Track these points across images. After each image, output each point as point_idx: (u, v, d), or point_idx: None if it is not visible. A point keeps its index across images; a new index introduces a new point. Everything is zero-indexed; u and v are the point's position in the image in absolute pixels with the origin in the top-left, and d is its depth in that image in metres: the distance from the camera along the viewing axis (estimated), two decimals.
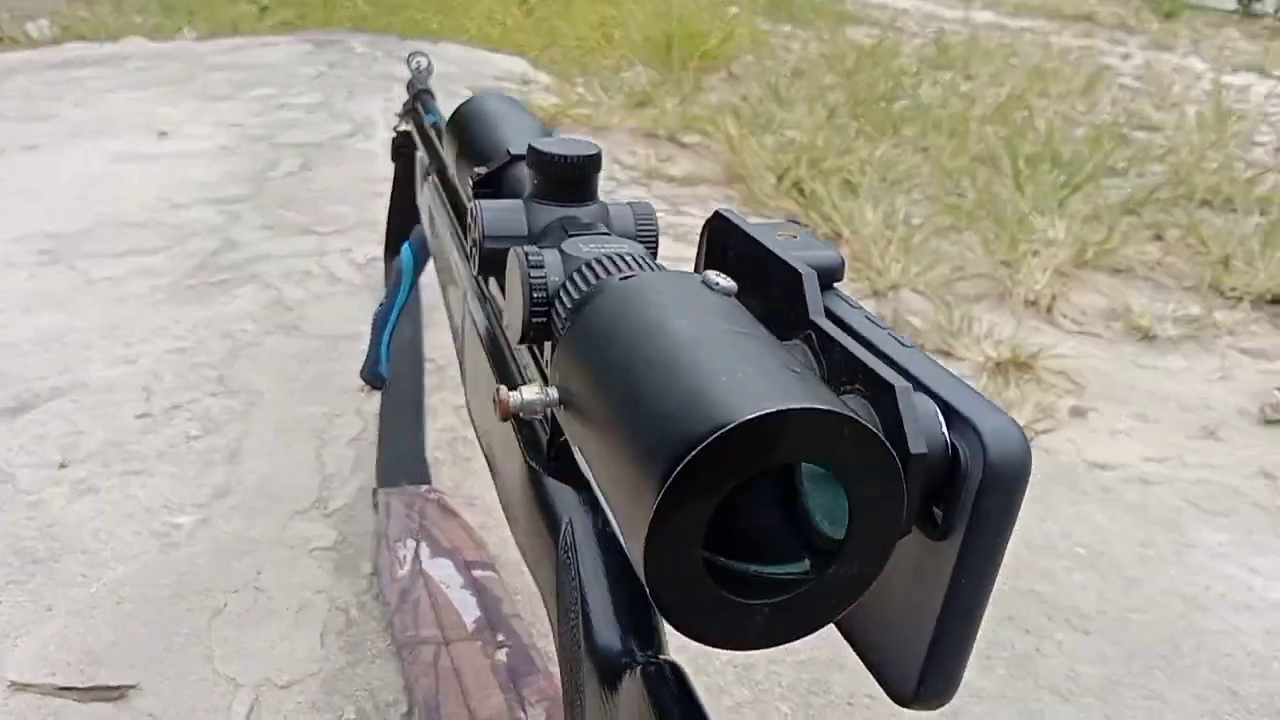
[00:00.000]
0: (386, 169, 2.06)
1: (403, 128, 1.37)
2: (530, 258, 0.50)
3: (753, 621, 0.36)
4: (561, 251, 0.52)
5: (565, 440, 0.57)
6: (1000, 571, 0.46)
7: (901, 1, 6.95)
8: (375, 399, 1.17)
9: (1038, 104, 3.21)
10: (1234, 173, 2.62)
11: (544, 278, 0.50)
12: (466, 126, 0.75)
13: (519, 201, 0.60)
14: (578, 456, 0.40)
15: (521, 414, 0.43)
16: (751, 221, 0.49)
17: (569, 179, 0.59)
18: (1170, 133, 3.08)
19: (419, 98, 1.28)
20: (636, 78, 3.51)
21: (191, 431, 1.10)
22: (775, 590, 0.36)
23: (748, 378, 0.34)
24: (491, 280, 0.71)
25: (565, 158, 0.59)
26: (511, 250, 0.51)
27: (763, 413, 0.31)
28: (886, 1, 6.77)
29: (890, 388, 0.35)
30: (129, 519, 0.96)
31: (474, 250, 0.59)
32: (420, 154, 1.10)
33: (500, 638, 0.78)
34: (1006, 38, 4.99)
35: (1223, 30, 6.72)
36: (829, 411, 0.32)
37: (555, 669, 0.79)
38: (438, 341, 1.33)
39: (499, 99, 0.79)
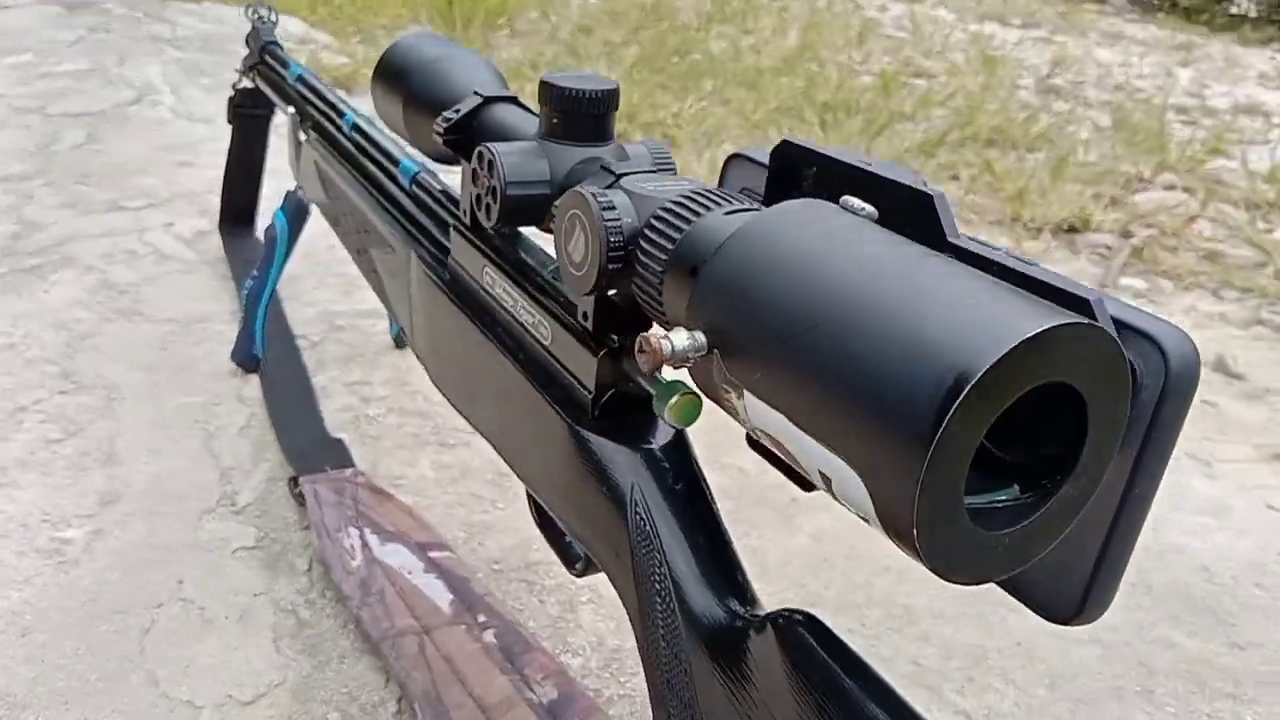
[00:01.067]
0: (185, 137, 1.90)
1: (244, 85, 1.26)
2: (600, 199, 0.46)
3: (996, 552, 0.35)
4: (626, 191, 0.48)
5: (612, 396, 0.54)
6: None
7: None
8: (253, 383, 1.08)
9: (822, 55, 3.32)
10: (1010, 114, 2.81)
11: (618, 220, 0.46)
12: (408, 71, 0.69)
13: (533, 143, 0.55)
14: (749, 405, 0.37)
15: (673, 364, 0.40)
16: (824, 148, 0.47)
17: (589, 116, 0.55)
18: (944, 79, 3.27)
19: (266, 51, 1.17)
20: None
21: (50, 435, 0.97)
22: (1011, 519, 0.35)
23: (993, 301, 0.32)
24: (454, 236, 0.66)
25: (586, 93, 0.55)
26: (576, 192, 0.47)
27: (1036, 332, 0.30)
28: None
29: (1084, 301, 0.34)
30: (6, 540, 0.83)
31: (491, 199, 0.54)
32: (291, 111, 1.01)
33: (482, 619, 0.73)
34: None
35: None
36: (1092, 326, 0.31)
37: (549, 644, 0.75)
38: (300, 316, 1.24)
39: (432, 39, 0.73)
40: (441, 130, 0.63)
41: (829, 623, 0.42)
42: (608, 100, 0.55)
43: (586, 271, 0.47)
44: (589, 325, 0.53)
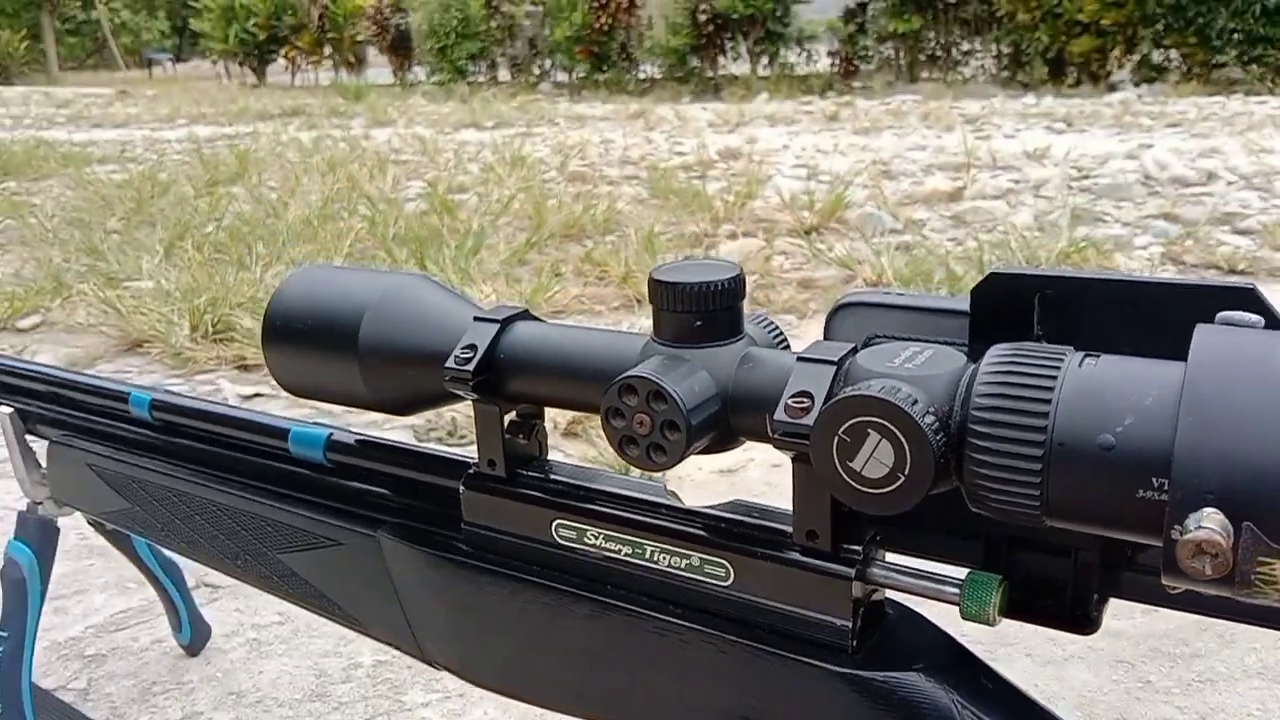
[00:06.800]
0: None
1: None
2: (901, 395, 0.39)
3: None
4: (899, 378, 0.41)
5: (870, 604, 0.45)
6: None
7: (105, 134, 6.49)
8: None
9: (365, 190, 3.23)
10: (567, 205, 2.93)
11: (932, 412, 0.39)
12: (354, 316, 0.54)
13: (676, 355, 0.46)
14: None
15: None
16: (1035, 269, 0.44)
17: (727, 309, 0.47)
18: (483, 188, 3.33)
19: None
20: None
21: None
22: None
23: None
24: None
25: (719, 285, 0.47)
26: (864, 397, 0.39)
27: None
28: (89, 138, 6.26)
29: None
30: None
31: (667, 435, 0.44)
32: (9, 411, 0.76)
33: None
34: (247, 143, 4.93)
35: (410, 100, 7.42)
36: None
37: None
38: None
39: (332, 271, 0.59)
40: (469, 373, 0.49)
41: None
42: (740, 288, 0.47)
43: (902, 487, 0.39)
44: (823, 545, 0.44)
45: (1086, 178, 3.26)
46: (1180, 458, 0.33)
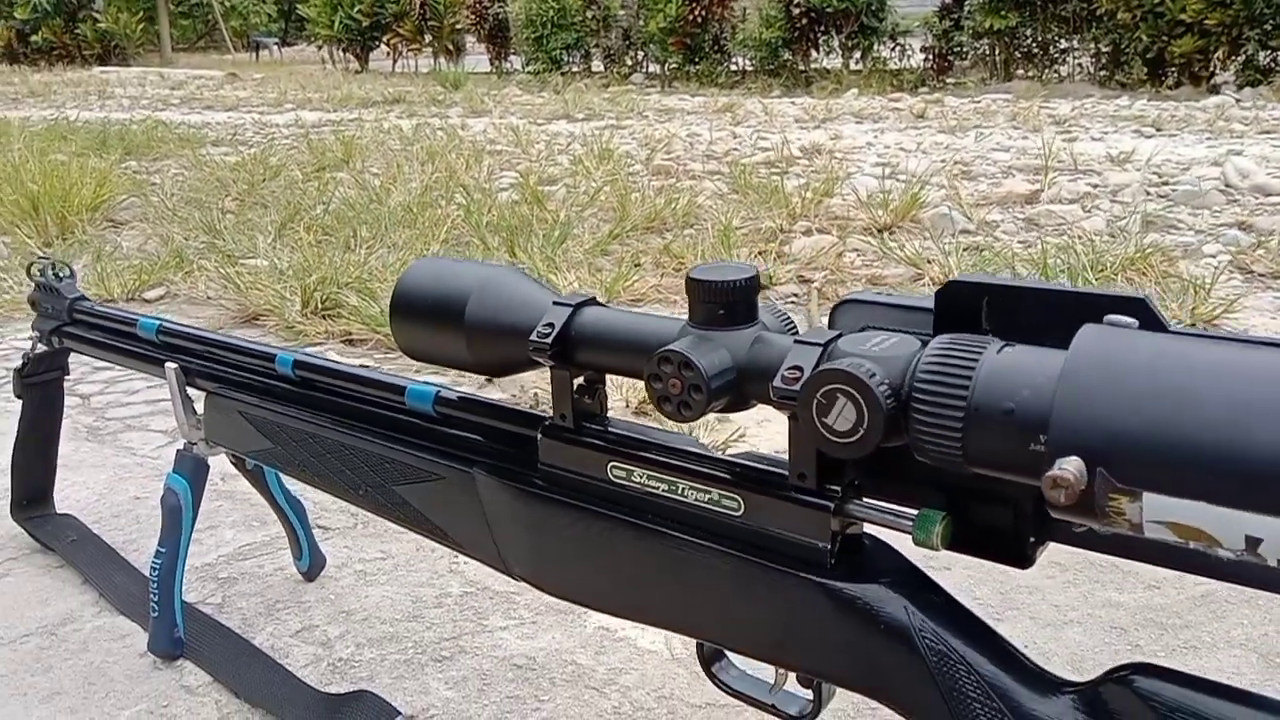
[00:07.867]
0: None
1: (41, 349, 1.12)
2: (863, 369, 0.52)
3: None
4: (864, 357, 0.54)
5: (849, 534, 0.58)
6: None
7: (217, 116, 6.81)
8: (189, 670, 0.95)
9: (461, 179, 3.42)
10: (650, 199, 3.06)
11: (886, 383, 0.52)
12: (461, 298, 0.69)
13: (703, 335, 0.59)
14: (1150, 504, 0.45)
15: (1080, 487, 0.46)
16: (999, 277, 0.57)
17: (745, 303, 0.60)
18: (574, 180, 3.49)
19: (77, 309, 1.06)
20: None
21: None
22: None
23: None
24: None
25: (741, 283, 0.60)
26: (834, 369, 0.52)
27: None
28: (202, 120, 6.58)
29: None
30: None
31: (692, 395, 0.57)
32: (174, 367, 0.93)
33: None
34: (351, 129, 5.17)
35: (505, 90, 7.60)
36: None
37: None
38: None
39: (448, 263, 0.74)
40: (547, 346, 0.64)
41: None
42: (756, 285, 0.60)
43: (862, 437, 0.52)
44: (809, 485, 0.58)
45: (1166, 184, 3.28)
46: (1055, 419, 0.46)
